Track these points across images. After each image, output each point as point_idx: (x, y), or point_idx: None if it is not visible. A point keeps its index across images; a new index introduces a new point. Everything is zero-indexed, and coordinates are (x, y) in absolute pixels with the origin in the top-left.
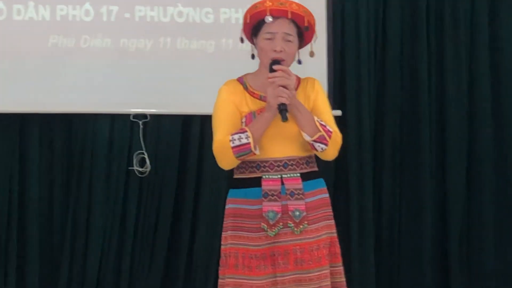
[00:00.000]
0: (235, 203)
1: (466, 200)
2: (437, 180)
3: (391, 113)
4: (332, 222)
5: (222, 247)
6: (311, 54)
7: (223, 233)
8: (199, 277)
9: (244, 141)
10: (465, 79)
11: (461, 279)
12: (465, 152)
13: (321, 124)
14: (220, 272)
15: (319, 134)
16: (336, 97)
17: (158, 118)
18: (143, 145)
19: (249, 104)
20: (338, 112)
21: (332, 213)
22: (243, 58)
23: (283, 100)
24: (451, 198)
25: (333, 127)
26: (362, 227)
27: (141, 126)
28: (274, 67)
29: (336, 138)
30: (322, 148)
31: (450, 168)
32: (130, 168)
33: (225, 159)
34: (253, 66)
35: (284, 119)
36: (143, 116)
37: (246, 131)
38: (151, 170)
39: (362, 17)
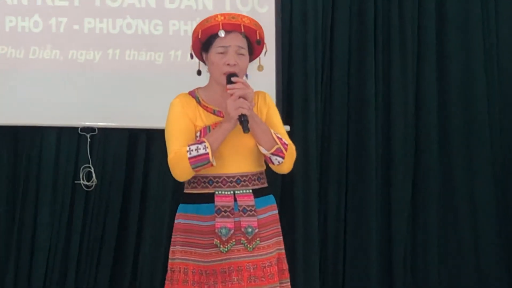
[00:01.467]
0: (185, 219)
1: (411, 215)
2: (383, 197)
3: (337, 129)
4: (281, 238)
5: (170, 261)
6: (260, 68)
7: (171, 247)
8: None
9: (202, 151)
10: (411, 96)
11: None
12: (411, 168)
13: (278, 137)
14: (166, 286)
15: (276, 147)
16: (284, 113)
17: (105, 132)
18: (89, 159)
19: (203, 118)
20: (287, 128)
21: (280, 230)
22: (191, 71)
23: (244, 111)
24: (397, 214)
25: (287, 140)
26: (307, 243)
27: (88, 140)
28: (233, 79)
29: (292, 151)
30: (279, 161)
31: (396, 185)
32: (76, 182)
33: (181, 170)
34: (201, 78)
35: (246, 130)
36: (91, 129)
37: (204, 142)
38: (97, 184)
39: (309, 33)
